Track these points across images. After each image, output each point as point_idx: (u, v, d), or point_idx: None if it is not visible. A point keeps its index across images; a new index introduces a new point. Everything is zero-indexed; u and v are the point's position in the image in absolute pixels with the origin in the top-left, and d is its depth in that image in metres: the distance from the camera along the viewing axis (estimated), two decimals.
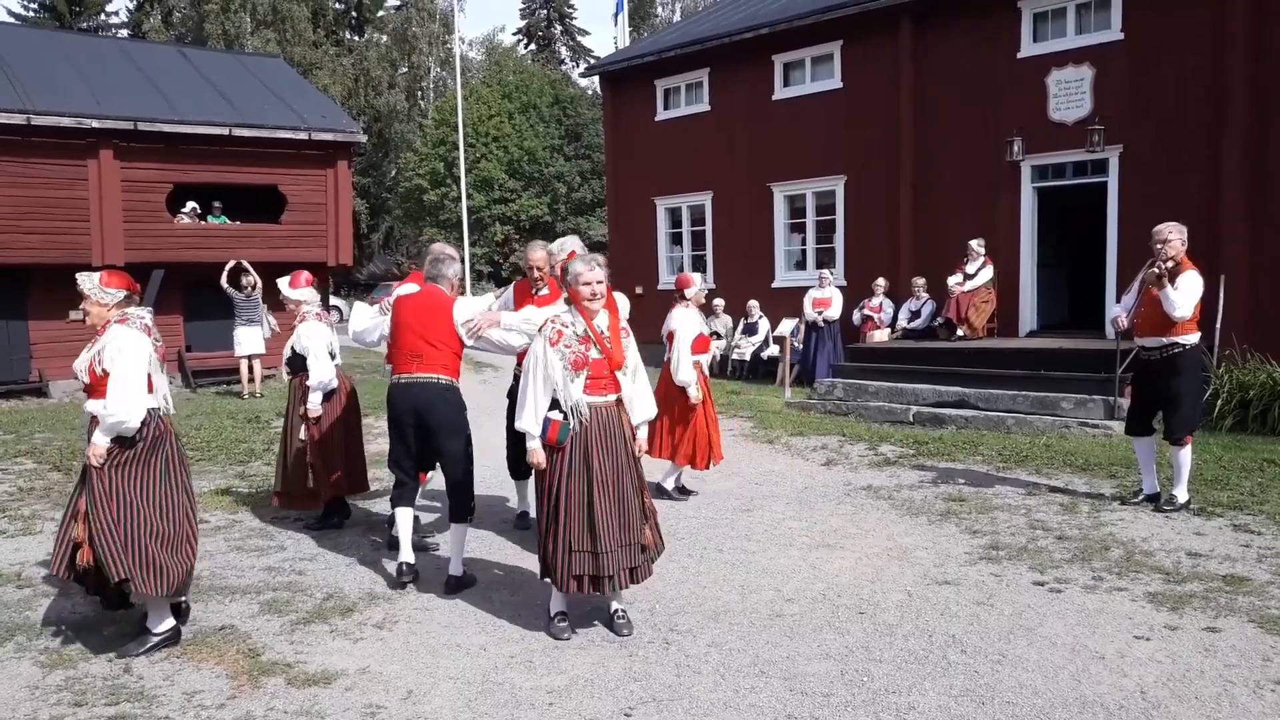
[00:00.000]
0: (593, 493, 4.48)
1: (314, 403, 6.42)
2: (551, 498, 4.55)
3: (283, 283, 6.75)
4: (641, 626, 4.68)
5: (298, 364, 6.54)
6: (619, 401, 4.67)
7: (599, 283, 4.57)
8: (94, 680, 4.11)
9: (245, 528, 6.72)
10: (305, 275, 6.79)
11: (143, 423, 4.40)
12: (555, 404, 4.54)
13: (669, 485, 7.45)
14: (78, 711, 3.82)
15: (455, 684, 4.06)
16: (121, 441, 4.39)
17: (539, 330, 4.68)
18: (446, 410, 5.34)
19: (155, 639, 4.47)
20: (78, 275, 4.67)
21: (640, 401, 4.81)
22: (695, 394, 7.10)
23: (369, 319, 5.94)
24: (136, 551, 4.33)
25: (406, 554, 5.41)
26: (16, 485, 8.09)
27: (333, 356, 6.54)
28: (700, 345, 7.24)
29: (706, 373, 7.38)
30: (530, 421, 4.55)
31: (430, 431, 5.35)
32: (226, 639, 4.57)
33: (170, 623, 4.54)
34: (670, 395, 7.23)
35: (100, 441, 4.35)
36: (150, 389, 4.47)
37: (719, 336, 14.79)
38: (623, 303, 6.16)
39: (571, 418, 4.51)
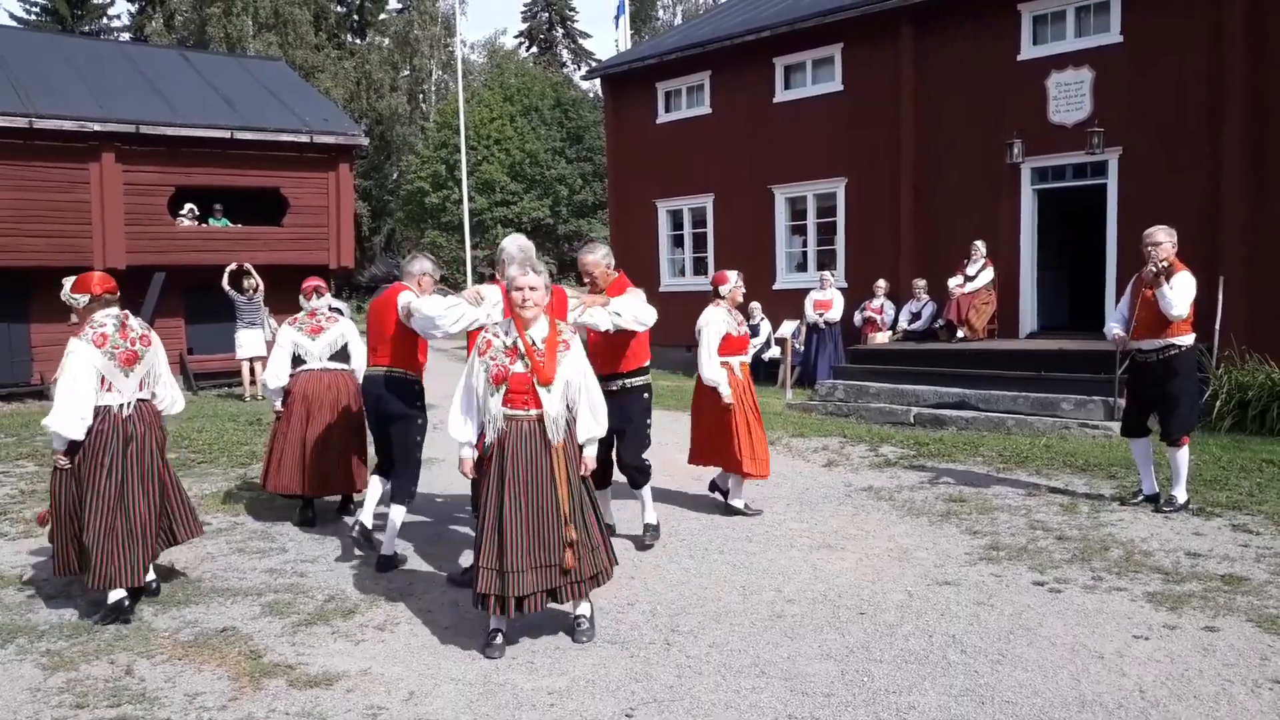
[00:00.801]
0: (503, 509, 4.31)
1: (271, 400, 6.79)
2: (479, 511, 4.54)
3: None
4: (643, 628, 4.69)
5: (295, 364, 6.90)
6: (541, 419, 4.37)
7: (531, 289, 4.33)
8: (95, 682, 4.13)
9: (247, 530, 6.74)
10: (309, 281, 7.10)
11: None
12: None
13: (738, 503, 6.93)
14: (80, 714, 3.83)
15: (457, 685, 4.08)
16: (71, 443, 4.81)
17: (475, 349, 4.51)
18: (394, 400, 5.72)
19: (105, 610, 4.85)
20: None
21: (582, 419, 4.51)
22: (726, 392, 6.64)
23: None
24: (66, 539, 4.95)
25: (365, 515, 5.82)
26: (18, 488, 8.11)
27: (301, 361, 6.72)
28: (730, 345, 6.77)
29: (739, 375, 6.80)
30: (456, 429, 4.53)
31: (382, 419, 5.79)
32: (228, 641, 4.59)
33: (117, 594, 4.85)
34: (705, 399, 6.86)
35: (55, 446, 4.87)
36: (108, 388, 4.82)
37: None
38: (634, 303, 5.90)
39: (489, 430, 4.41)
